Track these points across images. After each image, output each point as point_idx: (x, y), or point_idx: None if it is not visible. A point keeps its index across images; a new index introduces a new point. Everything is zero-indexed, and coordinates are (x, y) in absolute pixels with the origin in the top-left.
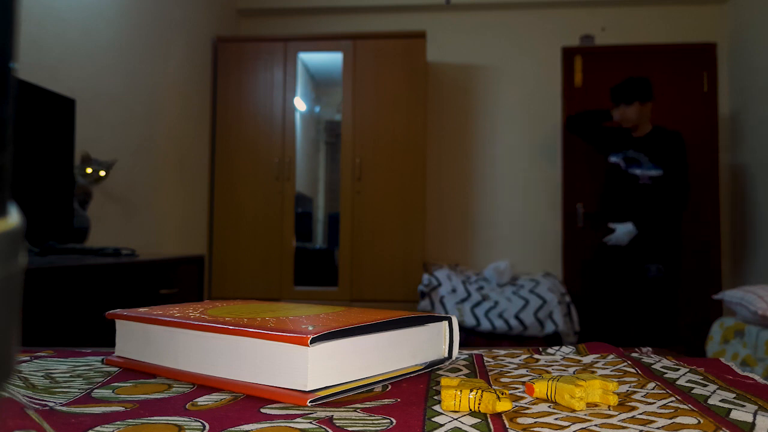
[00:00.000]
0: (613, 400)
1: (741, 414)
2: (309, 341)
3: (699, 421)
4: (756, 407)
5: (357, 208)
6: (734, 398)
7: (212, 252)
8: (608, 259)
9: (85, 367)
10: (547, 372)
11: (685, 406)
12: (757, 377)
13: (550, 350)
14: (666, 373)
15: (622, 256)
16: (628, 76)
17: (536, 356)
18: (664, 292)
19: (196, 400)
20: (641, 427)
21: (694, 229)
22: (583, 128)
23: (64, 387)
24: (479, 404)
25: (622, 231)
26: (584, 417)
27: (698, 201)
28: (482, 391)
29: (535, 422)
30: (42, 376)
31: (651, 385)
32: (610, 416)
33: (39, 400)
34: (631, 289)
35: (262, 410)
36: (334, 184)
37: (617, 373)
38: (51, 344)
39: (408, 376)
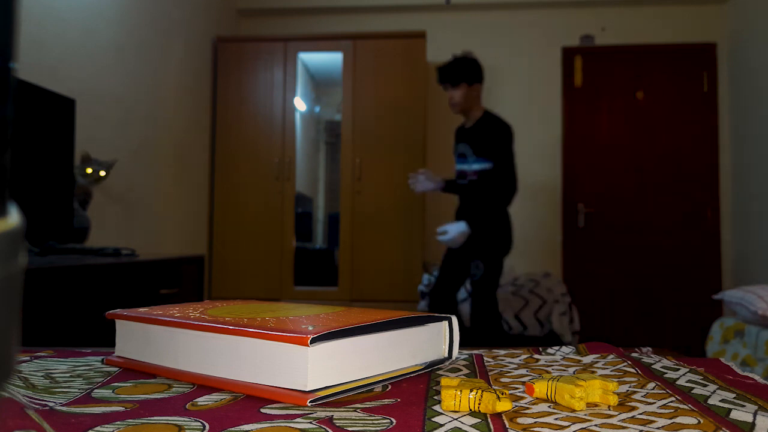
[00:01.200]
0: (613, 400)
1: (741, 414)
2: (309, 341)
3: (699, 421)
4: (756, 407)
5: (357, 208)
6: (734, 398)
7: (212, 252)
8: (447, 260)
9: (85, 367)
10: (547, 372)
11: (685, 406)
12: (757, 377)
13: (550, 350)
14: (666, 373)
15: (457, 256)
16: (459, 57)
17: (536, 356)
18: (483, 294)
19: (196, 400)
20: (641, 427)
21: (695, 229)
22: None
23: (64, 387)
24: (479, 404)
25: (455, 231)
26: (584, 417)
27: (698, 201)
28: (482, 391)
29: (535, 422)
30: (42, 376)
31: (651, 385)
32: (610, 416)
33: (39, 400)
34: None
35: (262, 410)
36: (334, 184)
37: (617, 373)
38: (51, 344)
39: (408, 376)
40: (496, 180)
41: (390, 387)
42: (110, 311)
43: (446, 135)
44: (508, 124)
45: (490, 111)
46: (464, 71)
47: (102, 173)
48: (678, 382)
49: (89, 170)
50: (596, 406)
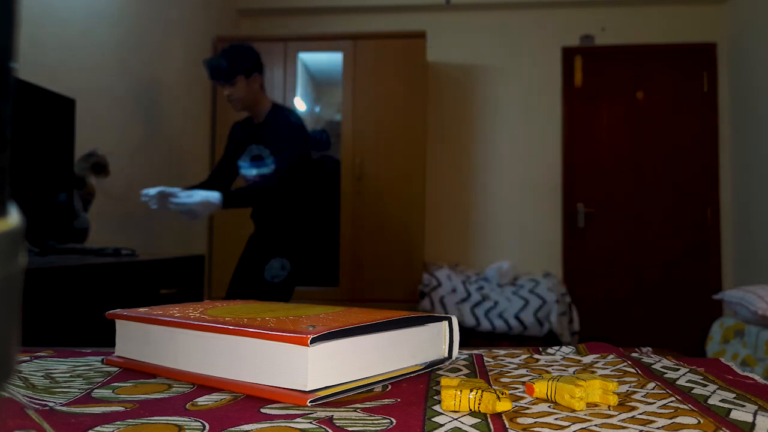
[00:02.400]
0: (613, 400)
1: (741, 414)
2: (309, 341)
3: (699, 421)
4: (756, 407)
5: (357, 208)
6: (734, 398)
7: (212, 252)
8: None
9: (85, 367)
10: (547, 372)
11: (685, 406)
12: (757, 377)
13: (550, 350)
14: (666, 373)
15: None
16: (230, 48)
17: (536, 356)
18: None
19: (196, 400)
20: (641, 427)
21: (695, 229)
22: None
23: (64, 387)
24: (479, 404)
25: (200, 198)
26: (584, 417)
27: (698, 201)
28: (482, 391)
29: (535, 422)
30: (42, 376)
31: (651, 385)
32: (610, 416)
33: (39, 400)
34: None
35: (262, 410)
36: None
37: (617, 373)
38: (51, 344)
39: (408, 376)
40: (282, 180)
41: (390, 387)
42: (110, 311)
43: (447, 135)
44: (300, 124)
45: (278, 103)
46: (238, 63)
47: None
48: (678, 382)
49: (95, 163)
50: (596, 406)
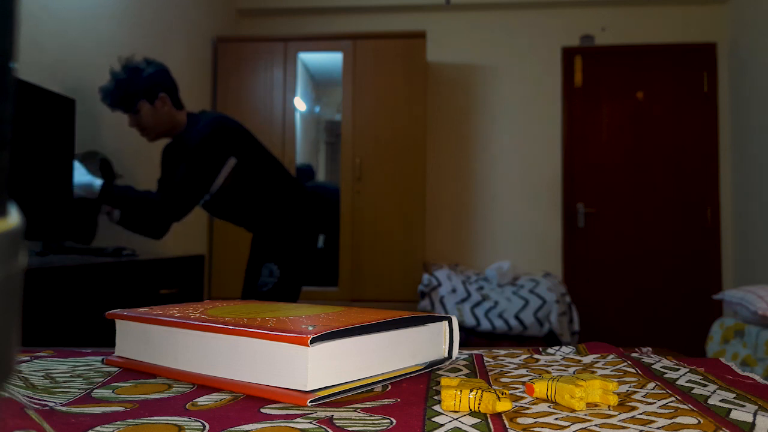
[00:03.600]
0: (613, 400)
1: (741, 414)
2: (309, 341)
3: (699, 421)
4: (756, 407)
5: (357, 208)
6: (734, 398)
7: (212, 252)
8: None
9: (85, 367)
10: (547, 372)
11: (685, 406)
12: (757, 377)
13: (550, 350)
14: (666, 373)
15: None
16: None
17: (536, 356)
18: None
19: (196, 400)
20: (641, 427)
21: (695, 229)
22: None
23: (64, 387)
24: (479, 404)
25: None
26: (584, 417)
27: (698, 201)
28: (482, 391)
29: (535, 422)
30: (42, 376)
31: (651, 385)
32: (610, 416)
33: (39, 400)
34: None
35: (262, 410)
36: (334, 184)
37: (617, 373)
38: (51, 344)
39: (408, 376)
40: (167, 195)
41: (390, 387)
42: (110, 311)
43: (447, 135)
44: (212, 121)
45: (194, 112)
46: (135, 87)
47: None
48: (678, 382)
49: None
50: (596, 406)
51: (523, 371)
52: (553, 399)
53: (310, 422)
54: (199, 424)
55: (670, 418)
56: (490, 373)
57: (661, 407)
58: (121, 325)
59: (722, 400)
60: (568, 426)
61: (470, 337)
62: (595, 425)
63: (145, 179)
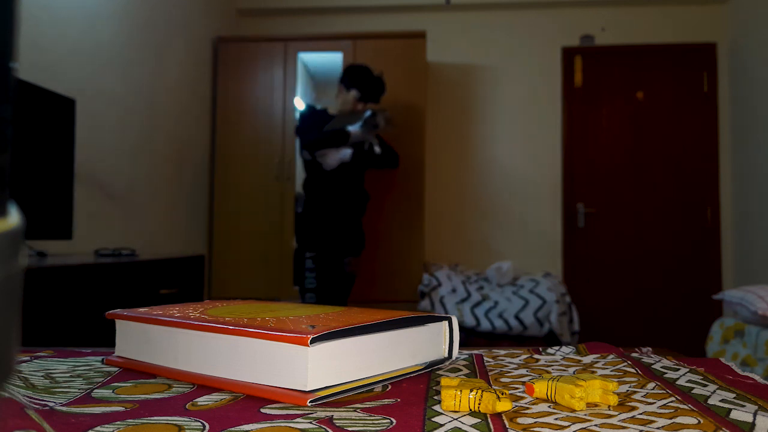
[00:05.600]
0: (613, 400)
1: (741, 414)
2: (309, 341)
3: (699, 421)
4: (756, 407)
5: None
6: (734, 398)
7: (212, 252)
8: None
9: (85, 367)
10: (547, 372)
11: (685, 406)
12: (757, 377)
13: (550, 350)
14: (666, 373)
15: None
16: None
17: (536, 356)
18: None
19: (196, 400)
20: (641, 427)
21: (695, 229)
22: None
23: (64, 387)
24: (479, 404)
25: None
26: (584, 417)
27: (698, 201)
28: (482, 391)
29: (535, 422)
30: (42, 376)
31: (651, 385)
32: (610, 416)
33: (39, 400)
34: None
35: (262, 410)
36: None
37: (617, 373)
38: (51, 344)
39: (408, 376)
40: None
41: (390, 387)
42: (110, 311)
43: (447, 135)
44: None
45: None
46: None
47: None
48: (678, 382)
49: None
50: (596, 406)
51: (523, 371)
52: (553, 399)
53: (310, 422)
54: (199, 424)
55: (670, 418)
56: (490, 373)
57: (661, 407)
58: (121, 325)
59: (722, 400)
60: (568, 426)
61: (470, 337)
62: (595, 425)
63: (146, 179)
